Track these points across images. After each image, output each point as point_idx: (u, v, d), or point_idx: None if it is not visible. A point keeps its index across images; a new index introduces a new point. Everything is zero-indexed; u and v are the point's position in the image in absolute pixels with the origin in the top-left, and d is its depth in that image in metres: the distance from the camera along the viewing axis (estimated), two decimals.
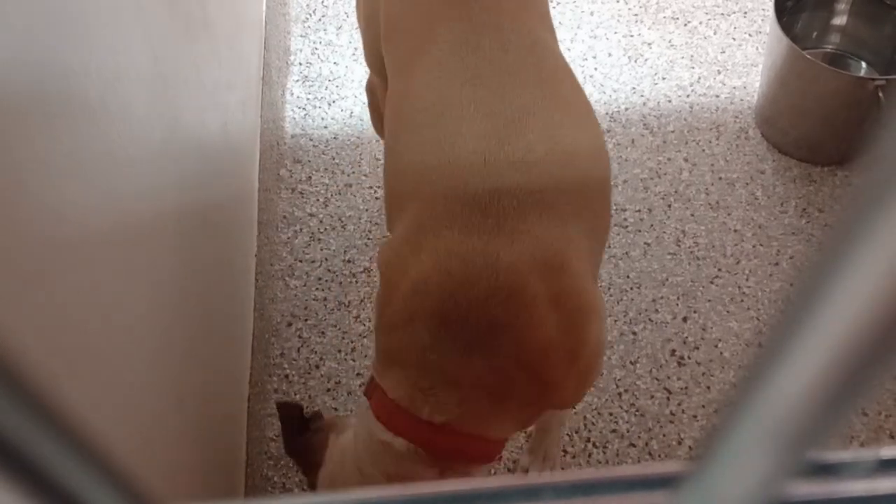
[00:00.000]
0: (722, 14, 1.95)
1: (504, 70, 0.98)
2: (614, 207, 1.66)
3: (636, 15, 1.94)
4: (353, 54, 1.87)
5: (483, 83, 0.96)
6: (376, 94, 1.33)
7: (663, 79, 1.84)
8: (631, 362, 1.50)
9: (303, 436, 1.05)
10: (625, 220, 1.65)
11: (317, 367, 1.49)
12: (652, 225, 1.64)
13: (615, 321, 1.54)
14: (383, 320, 0.98)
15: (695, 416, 1.45)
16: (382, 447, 0.93)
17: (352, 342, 1.51)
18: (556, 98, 0.99)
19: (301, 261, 1.60)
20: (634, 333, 1.52)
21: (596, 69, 1.85)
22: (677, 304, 1.55)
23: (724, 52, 1.89)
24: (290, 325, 1.53)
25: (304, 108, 1.79)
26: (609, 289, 1.57)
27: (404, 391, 0.92)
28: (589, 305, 0.94)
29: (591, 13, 1.94)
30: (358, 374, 1.47)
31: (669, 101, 1.81)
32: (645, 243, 1.62)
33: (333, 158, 1.72)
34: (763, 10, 1.95)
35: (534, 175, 0.92)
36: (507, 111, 0.95)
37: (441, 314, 0.89)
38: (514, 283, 0.88)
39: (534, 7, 1.08)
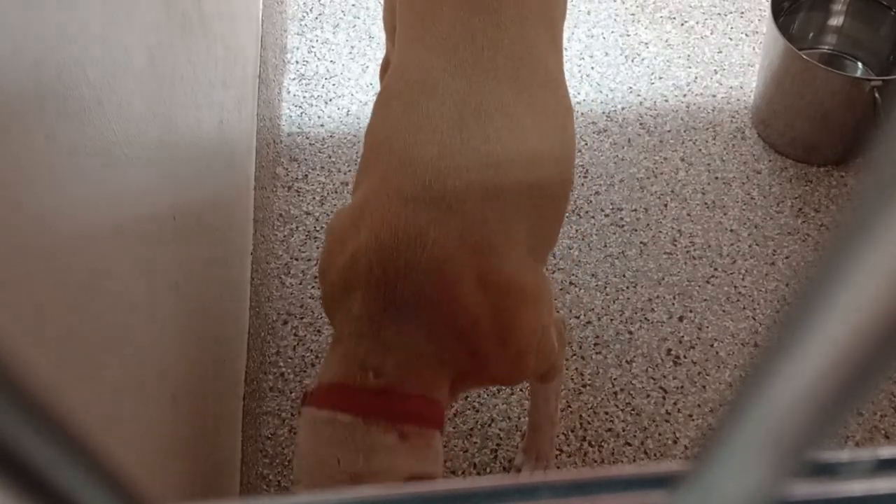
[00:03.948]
0: (719, 14, 1.95)
1: (489, 68, 1.02)
2: (611, 206, 1.66)
3: (633, 14, 1.94)
4: (350, 53, 1.86)
5: (464, 75, 1.01)
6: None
7: (660, 78, 1.84)
8: (627, 361, 1.50)
9: None
10: (621, 219, 1.65)
11: (312, 365, 1.49)
12: (648, 224, 1.64)
13: (611, 320, 1.54)
14: (324, 297, 1.00)
15: (690, 416, 1.45)
16: (330, 428, 0.90)
17: None
18: (533, 105, 1.03)
19: (297, 259, 1.60)
20: (630, 333, 1.52)
21: (593, 68, 1.85)
22: (673, 304, 1.56)
23: (720, 51, 1.89)
24: (285, 323, 1.53)
25: (300, 107, 1.79)
26: (605, 288, 1.57)
27: (342, 367, 0.91)
28: (519, 290, 0.97)
29: (588, 12, 1.94)
30: None
31: (666, 101, 1.81)
32: (641, 243, 1.62)
33: (330, 157, 1.72)
34: (760, 10, 1.95)
35: (484, 163, 0.96)
36: (478, 103, 0.99)
37: (370, 283, 0.91)
38: (438, 256, 0.91)
39: (542, 12, 1.09)
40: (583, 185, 1.69)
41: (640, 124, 1.77)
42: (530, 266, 1.00)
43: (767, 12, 1.63)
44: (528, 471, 1.36)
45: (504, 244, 0.96)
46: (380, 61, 1.61)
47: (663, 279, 1.58)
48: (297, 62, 1.85)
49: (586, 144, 1.74)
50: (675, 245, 1.62)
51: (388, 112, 1.04)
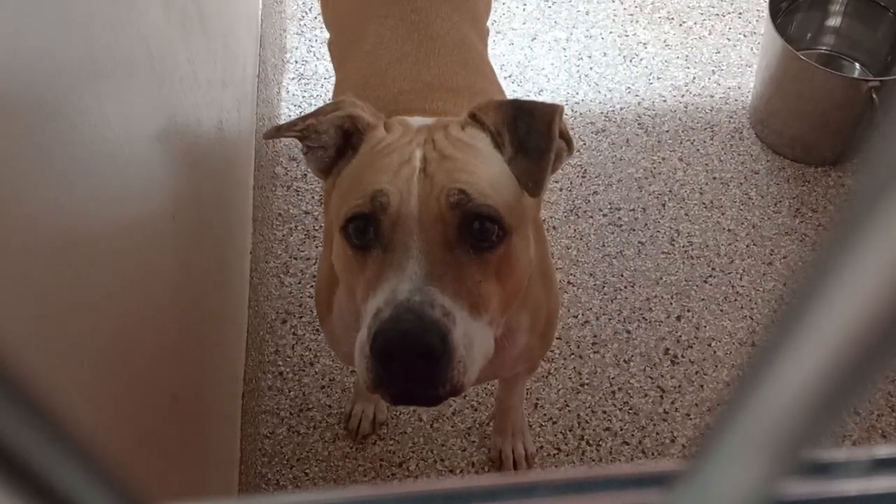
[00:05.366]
0: (717, 14, 1.95)
1: (431, 52, 1.10)
2: (609, 206, 1.66)
3: (631, 15, 1.95)
4: None
5: (410, 59, 1.09)
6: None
7: (658, 79, 1.84)
8: (625, 361, 1.50)
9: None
10: (619, 219, 1.65)
11: (311, 364, 1.49)
12: (646, 224, 1.65)
13: (609, 319, 1.54)
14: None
15: (688, 415, 1.45)
16: None
17: None
18: (478, 76, 1.12)
19: (296, 258, 1.60)
20: (628, 332, 1.53)
21: (591, 69, 1.85)
22: (671, 303, 1.56)
23: (718, 52, 1.89)
24: (284, 322, 1.53)
25: (299, 106, 1.79)
26: (603, 287, 1.57)
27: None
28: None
29: (587, 13, 1.94)
30: (352, 372, 1.47)
31: (664, 101, 1.81)
32: (639, 242, 1.63)
33: None
34: (758, 10, 1.95)
35: (454, 95, 1.05)
36: (433, 72, 1.07)
37: None
38: None
39: (466, 10, 1.20)
40: (581, 184, 1.69)
41: (639, 124, 1.78)
42: None
43: (765, 13, 1.63)
44: (508, 447, 1.37)
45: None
46: None
47: (661, 279, 1.59)
48: (296, 62, 1.85)
49: (584, 144, 1.74)
50: (673, 245, 1.62)
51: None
